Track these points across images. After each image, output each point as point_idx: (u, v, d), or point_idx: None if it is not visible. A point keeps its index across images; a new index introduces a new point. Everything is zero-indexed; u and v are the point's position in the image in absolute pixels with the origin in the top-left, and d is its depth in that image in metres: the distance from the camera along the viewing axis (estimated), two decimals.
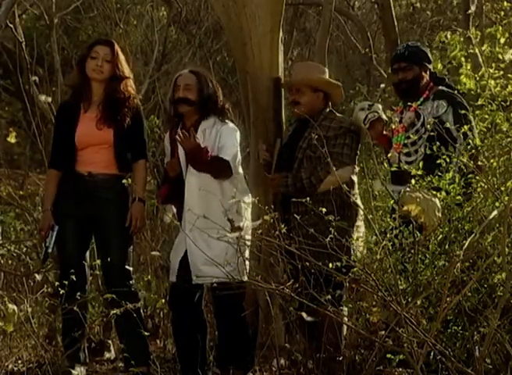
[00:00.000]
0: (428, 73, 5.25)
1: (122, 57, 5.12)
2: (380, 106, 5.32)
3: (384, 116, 5.22)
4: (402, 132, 5.16)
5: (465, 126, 4.56)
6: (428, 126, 4.79)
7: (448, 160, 4.30)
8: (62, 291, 4.74)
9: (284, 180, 4.97)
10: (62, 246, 5.00)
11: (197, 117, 5.05)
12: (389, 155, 5.26)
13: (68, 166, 5.05)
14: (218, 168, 4.94)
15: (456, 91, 5.23)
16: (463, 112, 4.94)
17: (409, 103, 5.16)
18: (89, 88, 5.09)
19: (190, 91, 5.03)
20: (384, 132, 5.24)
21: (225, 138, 5.00)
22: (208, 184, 4.94)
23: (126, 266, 4.96)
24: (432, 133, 4.59)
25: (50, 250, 4.95)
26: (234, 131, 5.07)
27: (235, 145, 5.01)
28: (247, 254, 4.71)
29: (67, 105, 5.18)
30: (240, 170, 5.09)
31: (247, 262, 4.77)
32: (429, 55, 5.29)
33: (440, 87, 5.20)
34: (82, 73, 5.09)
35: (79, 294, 4.79)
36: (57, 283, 4.95)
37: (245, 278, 4.65)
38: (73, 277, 4.74)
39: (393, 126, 5.22)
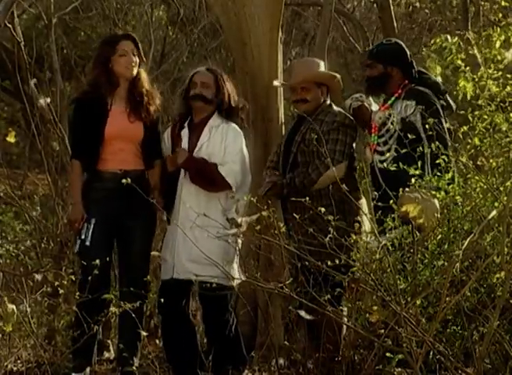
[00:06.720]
0: (400, 71, 5.14)
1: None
2: (371, 98, 5.32)
3: (373, 107, 5.22)
4: (374, 132, 5.15)
5: (464, 127, 4.55)
6: (396, 125, 4.83)
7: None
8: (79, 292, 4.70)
9: (279, 184, 4.93)
10: (92, 241, 4.90)
11: (207, 114, 5.03)
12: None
13: (96, 163, 4.95)
14: (216, 183, 4.87)
15: (433, 82, 5.15)
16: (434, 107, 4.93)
17: (380, 101, 5.18)
18: (117, 84, 5.01)
19: (207, 89, 5.02)
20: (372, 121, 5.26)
21: (230, 146, 4.95)
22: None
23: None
24: (401, 133, 4.62)
25: (88, 243, 4.86)
26: (239, 136, 5.02)
27: (238, 154, 4.95)
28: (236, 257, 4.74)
29: (89, 100, 5.00)
30: (248, 179, 5.03)
31: (236, 265, 4.77)
32: (406, 52, 5.18)
33: (413, 85, 5.11)
34: (107, 70, 4.99)
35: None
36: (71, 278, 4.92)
37: (234, 280, 4.66)
38: (97, 272, 4.57)
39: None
